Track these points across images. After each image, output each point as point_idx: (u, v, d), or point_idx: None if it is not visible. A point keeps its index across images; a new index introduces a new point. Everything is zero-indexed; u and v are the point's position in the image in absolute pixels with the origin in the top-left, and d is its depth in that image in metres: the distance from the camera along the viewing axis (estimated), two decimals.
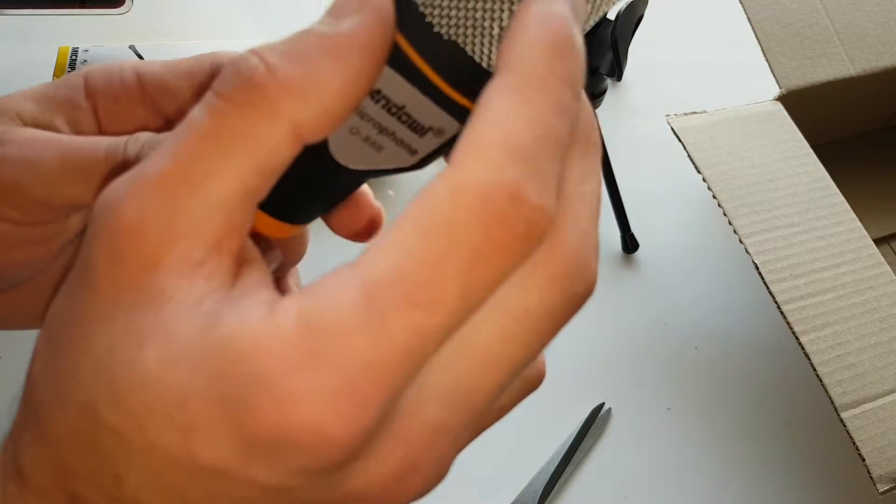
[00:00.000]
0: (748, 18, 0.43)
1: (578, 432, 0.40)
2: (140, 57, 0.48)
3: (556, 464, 0.38)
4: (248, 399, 0.12)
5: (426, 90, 0.16)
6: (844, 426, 0.33)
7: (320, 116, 0.14)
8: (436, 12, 0.15)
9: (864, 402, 0.34)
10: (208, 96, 0.14)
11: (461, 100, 0.16)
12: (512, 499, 0.38)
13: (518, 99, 0.13)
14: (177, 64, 0.21)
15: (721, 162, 0.40)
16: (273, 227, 0.19)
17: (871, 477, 0.32)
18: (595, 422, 0.40)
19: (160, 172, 0.13)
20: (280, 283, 0.23)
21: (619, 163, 0.46)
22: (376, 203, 0.21)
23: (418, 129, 0.17)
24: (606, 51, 0.40)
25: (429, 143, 0.17)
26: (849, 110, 0.48)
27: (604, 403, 0.41)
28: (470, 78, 0.15)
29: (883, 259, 0.38)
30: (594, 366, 0.43)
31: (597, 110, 0.46)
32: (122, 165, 0.19)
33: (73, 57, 0.48)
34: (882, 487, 0.32)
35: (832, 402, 0.34)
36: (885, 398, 0.34)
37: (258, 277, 0.14)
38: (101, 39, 0.49)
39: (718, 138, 0.41)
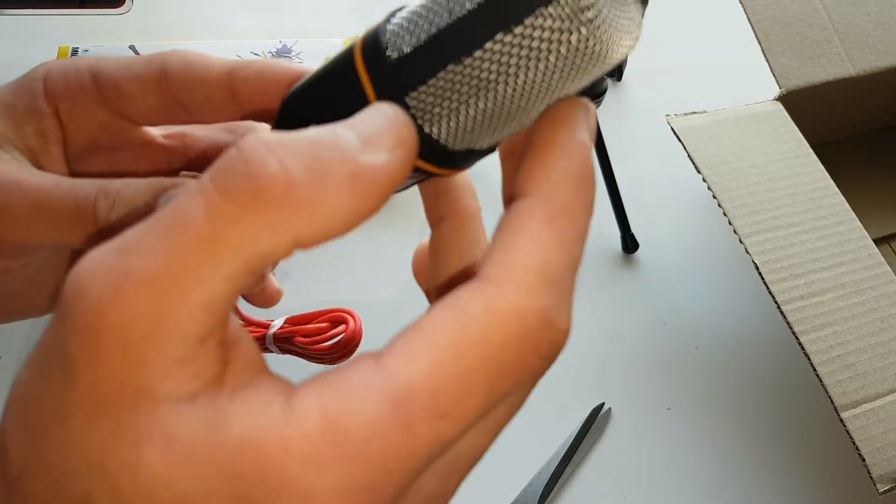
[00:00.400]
0: (748, 18, 0.43)
1: (578, 432, 0.40)
2: None
3: (556, 464, 0.38)
4: (269, 498, 0.12)
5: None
6: (844, 426, 0.33)
7: (323, 235, 0.13)
8: (419, 98, 0.15)
9: (864, 402, 0.34)
10: (207, 186, 0.13)
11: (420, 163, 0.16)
12: (512, 499, 0.38)
13: (552, 228, 0.14)
14: (130, 65, 0.21)
15: (721, 162, 0.40)
16: None
17: (871, 477, 0.32)
18: (595, 422, 0.40)
19: (149, 275, 0.12)
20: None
21: (619, 163, 0.46)
22: (277, 286, 0.24)
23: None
24: None
25: None
26: (849, 110, 0.48)
27: (604, 403, 0.41)
28: (424, 148, 0.15)
29: (883, 259, 0.38)
30: (594, 366, 0.43)
31: (597, 110, 0.46)
32: (92, 220, 0.20)
33: (73, 56, 0.48)
34: (882, 487, 0.32)
35: (832, 402, 0.34)
36: (885, 398, 0.34)
37: (249, 360, 0.14)
38: (101, 39, 0.49)
39: (718, 138, 0.41)
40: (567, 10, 0.13)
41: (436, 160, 0.16)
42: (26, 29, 0.53)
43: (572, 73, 0.14)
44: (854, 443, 0.33)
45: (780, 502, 0.39)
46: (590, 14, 0.14)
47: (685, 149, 0.40)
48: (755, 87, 0.45)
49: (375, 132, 0.14)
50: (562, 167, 0.14)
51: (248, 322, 0.33)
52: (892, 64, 0.45)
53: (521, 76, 0.14)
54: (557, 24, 0.13)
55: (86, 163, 0.23)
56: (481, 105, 0.15)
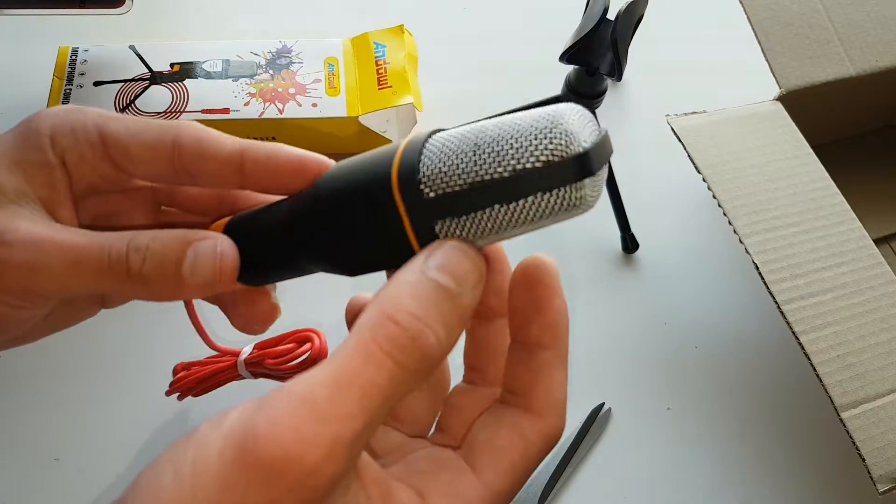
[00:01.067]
0: (748, 18, 0.43)
1: (578, 432, 0.40)
2: (140, 57, 0.48)
3: (556, 464, 0.38)
4: None
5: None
6: (844, 426, 0.33)
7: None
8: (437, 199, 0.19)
9: (864, 402, 0.34)
10: (383, 360, 0.17)
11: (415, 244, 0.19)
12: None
13: (566, 370, 0.21)
14: (140, 131, 0.23)
15: (721, 162, 0.40)
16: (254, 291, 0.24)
17: (871, 477, 0.32)
18: (595, 422, 0.40)
19: (353, 436, 0.16)
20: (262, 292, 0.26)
21: (619, 163, 0.46)
22: (275, 302, 0.26)
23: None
24: (606, 51, 0.40)
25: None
26: (849, 110, 0.48)
27: (604, 403, 0.41)
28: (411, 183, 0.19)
29: (883, 259, 0.38)
30: (594, 366, 0.43)
31: (597, 110, 0.46)
32: (125, 273, 0.22)
33: (73, 57, 0.48)
34: (882, 487, 0.32)
35: (832, 402, 0.34)
36: (886, 398, 0.34)
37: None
38: (101, 39, 0.49)
39: (718, 138, 0.41)
40: (585, 191, 0.18)
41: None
42: (26, 29, 0.53)
43: (564, 217, 0.19)
44: (854, 443, 0.33)
45: (780, 502, 0.39)
46: (593, 194, 0.19)
47: (685, 149, 0.40)
48: (755, 87, 0.45)
49: (464, 272, 0.19)
50: (565, 326, 0.21)
51: (221, 351, 0.33)
52: (892, 64, 0.44)
53: (529, 222, 0.19)
54: (571, 196, 0.18)
55: (83, 204, 0.24)
56: (489, 229, 0.19)
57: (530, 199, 0.18)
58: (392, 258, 0.20)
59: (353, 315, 0.23)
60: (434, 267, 0.18)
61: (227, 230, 0.23)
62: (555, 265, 0.21)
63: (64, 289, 0.22)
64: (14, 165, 0.22)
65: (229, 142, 0.23)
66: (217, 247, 0.22)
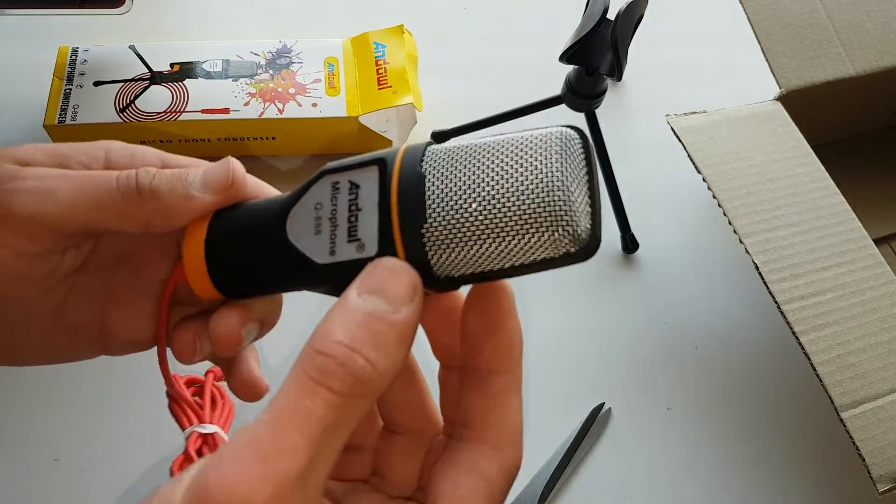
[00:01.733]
0: (748, 18, 0.43)
1: (578, 432, 0.40)
2: (140, 57, 0.48)
3: (557, 463, 0.38)
4: None
5: (383, 211, 0.20)
6: (844, 426, 0.33)
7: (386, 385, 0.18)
8: (431, 164, 0.20)
9: (864, 402, 0.34)
10: (316, 388, 0.17)
11: (395, 226, 0.19)
12: (512, 499, 0.38)
13: (520, 397, 0.20)
14: (196, 163, 0.24)
15: (721, 162, 0.40)
16: (210, 292, 0.23)
17: (871, 477, 0.32)
18: (595, 422, 0.40)
19: (299, 471, 0.16)
20: (239, 360, 0.25)
21: (619, 163, 0.46)
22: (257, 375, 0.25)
23: (352, 234, 0.20)
24: (606, 51, 0.40)
25: (346, 253, 0.20)
26: (849, 110, 0.48)
27: (604, 403, 0.41)
28: (411, 220, 0.19)
29: (883, 259, 0.38)
30: (594, 366, 0.43)
31: (597, 110, 0.46)
32: (136, 194, 0.22)
33: (73, 57, 0.48)
34: (882, 487, 0.32)
35: (832, 401, 0.34)
36: (886, 398, 0.34)
37: None
38: (101, 39, 0.49)
39: (718, 138, 0.41)
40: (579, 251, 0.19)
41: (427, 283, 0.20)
42: (26, 29, 0.53)
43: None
44: (854, 443, 0.33)
45: (780, 502, 0.39)
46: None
47: (685, 149, 0.40)
48: (755, 87, 0.45)
49: (397, 293, 0.18)
50: (519, 349, 0.20)
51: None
52: (892, 64, 0.44)
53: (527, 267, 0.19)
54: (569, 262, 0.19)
55: (104, 240, 0.25)
56: (487, 268, 0.19)
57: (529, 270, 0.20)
58: None
59: None
60: (362, 291, 0.18)
61: (211, 230, 0.23)
62: (509, 287, 0.21)
63: (70, 215, 0.21)
64: (57, 155, 0.23)
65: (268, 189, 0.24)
66: (230, 159, 0.22)
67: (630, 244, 0.47)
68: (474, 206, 0.19)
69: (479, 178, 0.19)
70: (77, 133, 0.45)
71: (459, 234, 0.19)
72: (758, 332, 0.44)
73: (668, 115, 0.42)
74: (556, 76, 0.45)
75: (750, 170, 0.40)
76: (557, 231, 0.18)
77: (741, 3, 0.43)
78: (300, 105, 0.47)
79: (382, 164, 0.20)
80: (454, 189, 0.19)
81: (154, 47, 0.49)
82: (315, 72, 0.48)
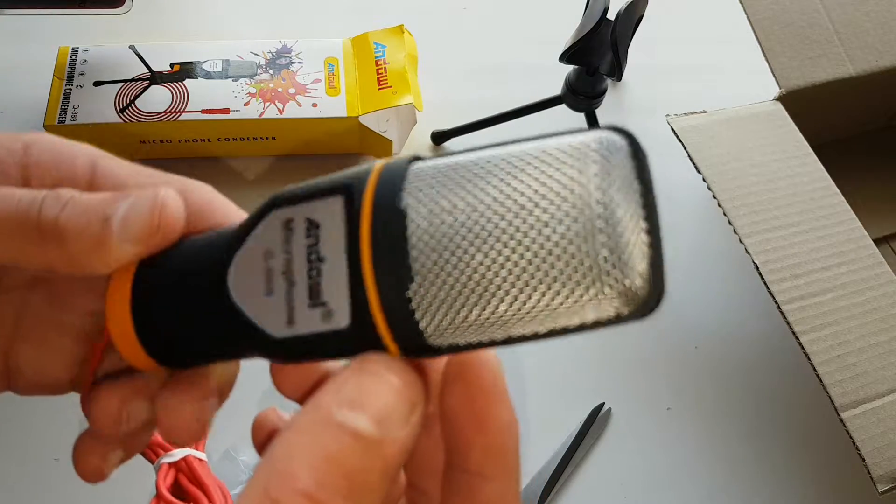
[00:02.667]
0: (748, 18, 0.43)
1: (578, 432, 0.40)
2: (140, 57, 0.48)
3: (556, 464, 0.38)
4: None
5: (351, 251, 0.14)
6: (844, 426, 0.33)
7: None
8: (417, 198, 0.14)
9: (864, 402, 0.34)
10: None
11: (370, 286, 0.14)
12: None
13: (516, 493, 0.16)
14: (144, 176, 0.19)
15: (721, 162, 0.40)
16: (143, 361, 0.18)
17: (871, 477, 0.32)
18: (595, 422, 0.40)
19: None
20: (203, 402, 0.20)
21: None
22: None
23: (315, 295, 0.15)
24: (606, 51, 0.40)
25: (309, 322, 0.15)
26: (849, 110, 0.48)
27: (604, 403, 0.41)
28: (393, 277, 0.14)
29: (883, 259, 0.38)
30: (594, 366, 0.43)
31: (597, 110, 0.46)
32: (35, 227, 0.16)
33: (73, 57, 0.48)
34: (882, 487, 0.32)
35: (832, 401, 0.34)
36: (886, 398, 0.34)
37: None
38: (101, 39, 0.49)
39: (718, 138, 0.41)
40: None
41: (411, 349, 0.15)
42: (26, 29, 0.53)
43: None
44: (854, 443, 0.33)
45: (780, 502, 0.39)
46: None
47: (685, 149, 0.40)
48: (755, 87, 0.45)
49: (392, 411, 0.14)
50: (513, 450, 0.16)
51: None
52: (892, 64, 0.44)
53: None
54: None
55: (12, 273, 0.20)
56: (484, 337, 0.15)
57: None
58: (356, 351, 0.15)
59: (261, 441, 0.19)
60: (341, 404, 0.14)
61: (136, 286, 0.17)
62: (498, 363, 0.16)
63: None
64: None
65: (238, 214, 0.18)
66: (159, 194, 0.17)
67: None
68: (479, 257, 0.13)
69: (483, 212, 0.14)
70: (77, 133, 0.45)
71: (460, 297, 0.14)
72: (758, 332, 0.44)
73: (668, 115, 0.42)
74: (557, 76, 0.45)
75: (750, 170, 0.40)
76: (598, 287, 0.13)
77: (741, 2, 0.43)
78: (300, 105, 0.47)
79: (349, 194, 0.15)
80: (450, 231, 0.14)
81: (154, 47, 0.49)
82: (315, 72, 0.48)
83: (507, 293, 0.14)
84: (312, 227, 0.15)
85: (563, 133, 0.14)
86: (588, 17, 0.40)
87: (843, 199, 0.39)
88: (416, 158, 0.15)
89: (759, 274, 0.36)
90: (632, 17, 0.39)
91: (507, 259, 0.14)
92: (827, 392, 0.34)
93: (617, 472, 0.40)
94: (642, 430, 0.41)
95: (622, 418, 0.41)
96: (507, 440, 0.16)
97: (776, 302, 0.36)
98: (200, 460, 0.33)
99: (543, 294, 0.14)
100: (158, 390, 0.18)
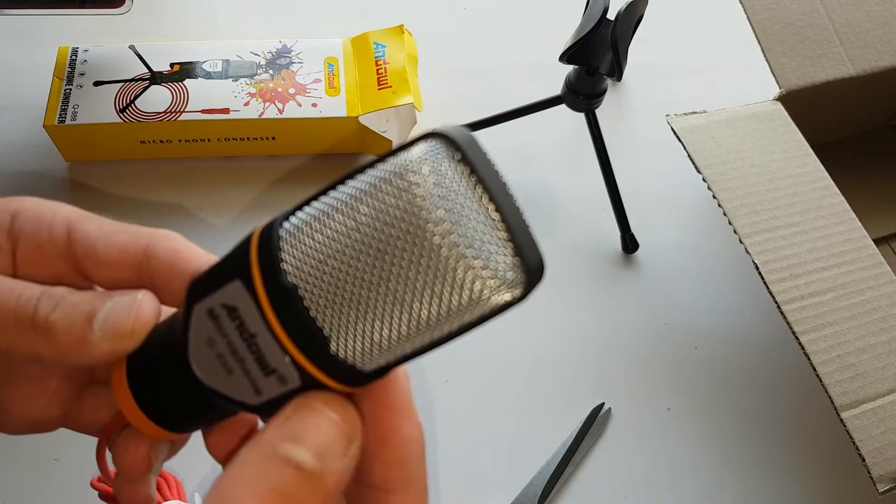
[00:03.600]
0: (748, 18, 0.43)
1: (578, 432, 0.40)
2: (140, 57, 0.48)
3: (556, 463, 0.38)
4: None
5: (270, 330, 0.16)
6: (844, 426, 0.33)
7: None
8: (295, 264, 0.16)
9: (864, 402, 0.34)
10: None
11: (298, 356, 0.16)
12: (512, 498, 0.38)
13: None
14: (113, 233, 0.21)
15: (721, 162, 0.40)
16: (157, 432, 0.20)
17: (870, 477, 0.32)
18: (595, 422, 0.40)
19: None
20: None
21: (619, 163, 0.46)
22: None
23: (264, 366, 0.17)
24: (606, 51, 0.40)
25: (272, 388, 0.17)
26: (849, 110, 0.48)
27: (604, 403, 0.41)
28: (311, 341, 0.16)
29: (883, 259, 0.38)
30: (594, 366, 0.43)
31: (597, 110, 0.46)
32: (30, 322, 0.19)
33: (73, 57, 0.48)
34: (882, 487, 0.32)
35: (832, 401, 0.34)
36: (886, 398, 0.34)
37: None
38: (100, 39, 0.49)
39: (718, 138, 0.41)
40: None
41: (355, 383, 0.17)
42: (26, 29, 0.53)
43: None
44: (854, 443, 0.33)
45: (780, 502, 0.39)
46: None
47: (685, 149, 0.40)
48: (755, 87, 0.45)
49: (332, 443, 0.15)
50: (417, 462, 0.17)
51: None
52: (892, 64, 0.44)
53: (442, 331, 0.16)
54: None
55: None
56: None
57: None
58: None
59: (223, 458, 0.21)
60: (284, 438, 0.15)
61: (130, 377, 0.20)
62: (405, 378, 0.17)
63: None
64: None
65: (205, 259, 0.20)
66: (137, 297, 0.19)
67: (630, 244, 0.47)
68: (372, 300, 0.15)
69: (355, 260, 0.15)
70: (77, 133, 0.45)
71: (373, 331, 0.16)
72: (758, 332, 0.44)
73: (668, 115, 0.42)
74: (556, 76, 0.45)
75: (750, 170, 0.40)
76: (470, 290, 0.15)
77: (741, 2, 0.43)
78: (300, 105, 0.47)
79: (245, 277, 0.17)
80: (338, 288, 0.16)
81: (154, 47, 0.49)
82: (315, 72, 0.48)
83: (406, 315, 0.15)
84: (231, 311, 0.17)
85: (393, 154, 0.16)
86: (588, 17, 0.40)
87: (843, 199, 0.39)
88: (287, 216, 0.17)
89: (759, 274, 0.36)
90: (632, 17, 0.39)
91: (392, 287, 0.15)
92: (827, 392, 0.34)
93: (617, 472, 0.40)
94: (642, 430, 0.41)
95: (622, 418, 0.41)
96: (410, 454, 0.17)
97: (776, 302, 0.36)
98: None
99: (436, 305, 0.15)
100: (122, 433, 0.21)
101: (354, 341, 0.16)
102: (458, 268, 0.15)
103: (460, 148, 0.15)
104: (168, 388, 0.19)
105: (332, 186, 0.17)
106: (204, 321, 0.18)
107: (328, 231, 0.16)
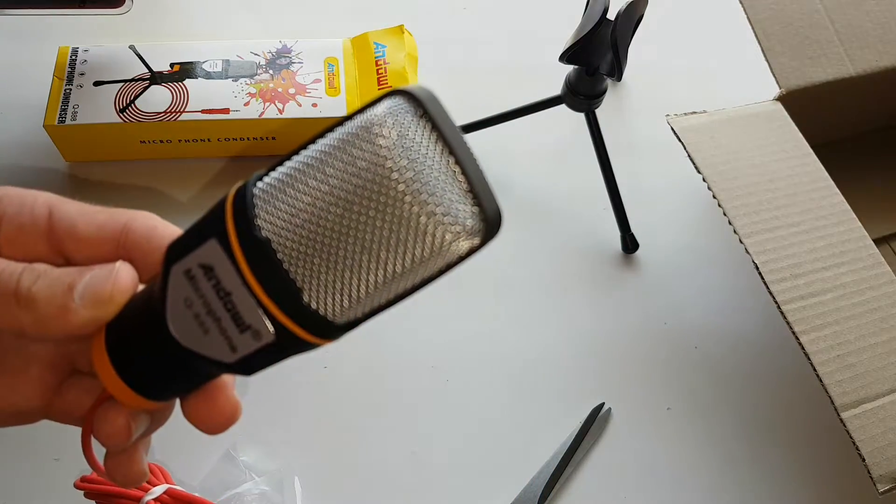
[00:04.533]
0: (748, 18, 0.43)
1: (578, 432, 0.40)
2: (140, 57, 0.48)
3: (556, 464, 0.38)
4: None
5: (245, 285, 0.17)
6: (844, 426, 0.33)
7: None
8: (269, 219, 0.17)
9: (865, 402, 0.34)
10: None
11: (272, 308, 0.17)
12: (512, 498, 0.38)
13: None
14: (92, 213, 0.22)
15: (721, 162, 0.40)
16: (135, 400, 0.21)
17: (871, 477, 0.32)
18: (595, 422, 0.40)
19: None
20: (133, 448, 0.23)
21: (620, 163, 0.46)
22: (234, 399, 0.22)
23: (240, 322, 0.18)
24: (606, 51, 0.40)
25: (247, 344, 0.18)
26: (849, 110, 0.48)
27: (604, 403, 0.41)
28: (285, 292, 0.17)
29: (883, 259, 0.38)
30: (594, 366, 0.43)
31: (597, 111, 0.46)
32: (13, 294, 0.20)
33: (73, 57, 0.48)
34: (882, 487, 0.32)
35: (832, 401, 0.34)
36: (886, 398, 0.34)
37: None
38: (100, 39, 0.49)
39: (718, 138, 0.41)
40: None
41: (328, 336, 0.18)
42: (26, 29, 0.53)
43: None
44: (854, 443, 0.33)
45: (780, 502, 0.39)
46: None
47: (685, 149, 0.40)
48: (755, 87, 0.45)
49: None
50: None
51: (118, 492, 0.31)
52: (893, 64, 0.44)
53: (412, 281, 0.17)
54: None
55: None
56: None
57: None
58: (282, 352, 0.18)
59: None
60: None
61: (109, 346, 0.21)
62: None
63: None
64: None
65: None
66: (115, 265, 0.20)
67: (630, 244, 0.47)
68: (342, 251, 0.16)
69: (324, 212, 0.16)
70: (77, 133, 0.45)
71: (343, 283, 0.17)
72: (758, 332, 0.44)
73: (668, 115, 0.42)
74: (556, 76, 0.45)
75: (750, 170, 0.40)
76: (433, 237, 0.16)
77: (741, 3, 0.43)
78: (300, 105, 0.47)
79: (220, 235, 0.17)
80: (309, 240, 0.16)
81: (154, 47, 0.49)
82: (315, 72, 0.48)
83: (374, 264, 0.16)
84: (208, 270, 0.18)
85: (362, 111, 0.17)
86: (588, 17, 0.40)
87: (842, 198, 0.39)
88: (261, 176, 0.18)
89: (759, 274, 0.36)
90: (632, 17, 0.39)
91: (361, 237, 0.16)
92: (827, 392, 0.34)
93: (617, 472, 0.40)
94: (642, 430, 0.41)
95: (622, 418, 0.41)
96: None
97: (776, 302, 0.36)
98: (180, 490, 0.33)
99: (402, 252, 0.16)
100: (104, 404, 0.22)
101: (326, 292, 0.17)
102: (421, 215, 0.16)
103: (422, 104, 0.16)
104: (146, 353, 0.20)
105: (304, 146, 0.18)
106: (181, 282, 0.18)
107: (299, 186, 0.17)
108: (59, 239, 0.21)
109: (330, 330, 0.18)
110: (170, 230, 0.22)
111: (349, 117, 0.17)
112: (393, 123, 0.16)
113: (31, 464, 0.38)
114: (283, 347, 0.18)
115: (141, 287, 0.21)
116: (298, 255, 0.17)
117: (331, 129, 0.17)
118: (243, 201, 0.17)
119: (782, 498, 0.39)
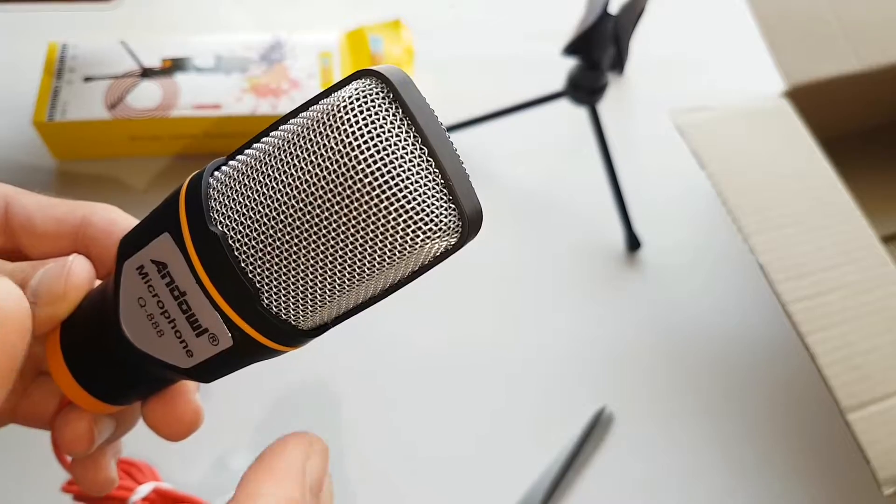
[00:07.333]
0: (753, 13, 0.42)
1: (580, 436, 0.39)
2: (131, 52, 0.47)
3: (558, 468, 0.38)
4: None
5: (199, 283, 0.16)
6: (850, 428, 0.33)
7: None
8: (224, 212, 0.16)
9: (871, 404, 0.34)
10: None
11: (228, 311, 0.16)
12: (514, 502, 0.37)
13: None
14: (50, 206, 0.21)
15: (725, 158, 0.39)
16: (93, 404, 0.20)
17: (876, 480, 0.32)
18: (597, 425, 0.40)
19: None
20: (100, 453, 0.22)
21: (622, 159, 0.46)
22: (196, 405, 0.21)
23: (195, 325, 0.16)
24: (609, 45, 0.39)
25: (204, 349, 0.17)
26: (855, 106, 0.48)
27: (606, 407, 0.41)
28: (242, 293, 0.16)
29: (889, 258, 0.37)
30: (596, 369, 0.42)
31: (599, 106, 0.45)
32: None
33: (63, 53, 0.47)
34: (887, 490, 0.32)
35: (838, 403, 0.33)
36: (892, 399, 0.34)
37: None
38: (91, 34, 0.48)
39: (722, 134, 0.40)
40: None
41: (291, 341, 0.17)
42: (14, 24, 0.52)
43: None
44: (859, 445, 0.32)
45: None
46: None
47: (689, 145, 0.39)
48: (760, 82, 0.44)
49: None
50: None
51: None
52: None
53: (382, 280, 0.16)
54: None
55: None
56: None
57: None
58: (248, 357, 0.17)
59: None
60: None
61: (64, 348, 0.19)
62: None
63: None
64: None
65: None
66: (69, 260, 0.19)
67: (633, 242, 0.46)
68: (303, 248, 0.15)
69: (284, 205, 0.15)
70: (67, 129, 0.44)
71: (307, 289, 0.15)
72: (763, 332, 0.44)
73: (671, 110, 0.41)
74: (556, 71, 0.44)
75: (754, 167, 0.39)
76: (403, 236, 0.14)
77: None
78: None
79: (174, 229, 0.16)
80: (267, 236, 0.15)
81: (145, 42, 0.48)
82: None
83: (338, 264, 0.15)
84: (161, 267, 0.16)
85: (330, 91, 0.15)
86: (590, 10, 0.39)
87: (849, 196, 0.39)
88: (219, 165, 0.16)
89: (764, 273, 0.36)
90: (634, 11, 0.38)
91: (323, 233, 0.14)
92: (832, 393, 0.33)
93: (619, 476, 0.39)
94: (645, 434, 0.40)
95: (625, 422, 0.41)
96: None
97: (781, 301, 0.35)
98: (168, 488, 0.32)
99: (369, 250, 0.15)
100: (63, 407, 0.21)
101: (287, 294, 0.15)
102: (389, 210, 0.14)
103: (393, 87, 0.14)
104: (101, 355, 0.19)
105: (266, 132, 0.16)
106: (134, 279, 0.17)
107: (259, 176, 0.15)
108: (15, 233, 0.20)
109: (293, 336, 0.16)
110: (130, 223, 0.21)
111: (314, 100, 0.15)
112: (360, 107, 0.14)
113: (31, 464, 0.37)
114: (243, 354, 0.17)
115: (99, 283, 0.20)
116: (256, 252, 0.15)
117: (294, 112, 0.16)
118: (198, 192, 0.16)
119: (787, 501, 0.39)
